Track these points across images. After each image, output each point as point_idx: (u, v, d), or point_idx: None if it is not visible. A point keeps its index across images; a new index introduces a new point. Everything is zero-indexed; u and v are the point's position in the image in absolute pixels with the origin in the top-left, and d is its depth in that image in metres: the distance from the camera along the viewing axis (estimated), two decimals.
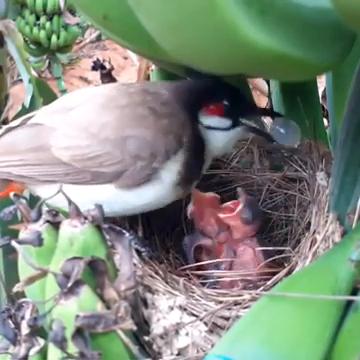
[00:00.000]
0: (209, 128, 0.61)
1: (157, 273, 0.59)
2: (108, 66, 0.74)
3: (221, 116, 0.61)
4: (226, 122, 0.62)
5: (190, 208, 0.68)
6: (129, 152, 0.56)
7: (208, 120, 0.61)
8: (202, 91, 0.62)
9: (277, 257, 0.63)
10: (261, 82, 1.34)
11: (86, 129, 0.57)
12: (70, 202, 0.45)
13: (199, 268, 0.65)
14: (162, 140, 0.56)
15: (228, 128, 0.62)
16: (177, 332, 0.53)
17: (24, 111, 1.03)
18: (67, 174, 0.56)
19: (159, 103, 0.58)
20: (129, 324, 0.43)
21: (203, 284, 0.62)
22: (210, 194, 0.68)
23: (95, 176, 0.56)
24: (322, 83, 0.85)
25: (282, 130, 0.64)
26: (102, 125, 0.56)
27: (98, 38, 2.69)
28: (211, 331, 0.53)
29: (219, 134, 0.62)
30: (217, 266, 0.65)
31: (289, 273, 0.58)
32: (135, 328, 0.44)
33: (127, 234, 0.58)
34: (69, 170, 0.56)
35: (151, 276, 0.58)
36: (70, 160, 0.56)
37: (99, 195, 0.52)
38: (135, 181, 0.56)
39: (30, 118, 0.61)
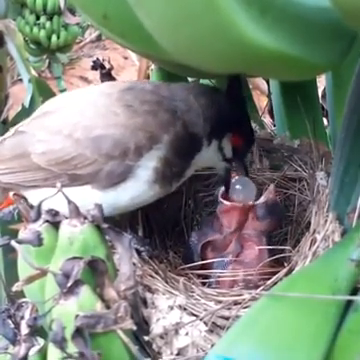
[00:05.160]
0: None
1: (157, 273, 0.59)
2: (108, 66, 0.74)
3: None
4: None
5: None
6: (99, 152, 0.55)
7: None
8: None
9: (277, 256, 0.63)
10: (261, 82, 1.35)
11: (60, 132, 0.57)
12: (69, 201, 0.45)
13: (200, 267, 0.65)
14: (131, 137, 0.55)
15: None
16: (177, 332, 0.53)
17: (24, 111, 1.03)
18: (46, 179, 0.57)
19: (139, 100, 0.57)
20: (129, 324, 0.43)
21: (204, 284, 0.62)
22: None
23: (72, 179, 0.56)
24: (322, 83, 0.85)
25: (239, 186, 0.67)
26: (73, 126, 0.56)
27: (98, 38, 2.68)
28: (211, 331, 0.53)
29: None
30: (221, 262, 0.65)
31: (289, 273, 0.58)
32: (135, 328, 0.44)
33: (126, 233, 0.58)
34: (48, 175, 0.57)
35: (151, 276, 0.58)
36: (47, 165, 0.56)
37: (79, 198, 0.49)
38: (110, 180, 0.56)
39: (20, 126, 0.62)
